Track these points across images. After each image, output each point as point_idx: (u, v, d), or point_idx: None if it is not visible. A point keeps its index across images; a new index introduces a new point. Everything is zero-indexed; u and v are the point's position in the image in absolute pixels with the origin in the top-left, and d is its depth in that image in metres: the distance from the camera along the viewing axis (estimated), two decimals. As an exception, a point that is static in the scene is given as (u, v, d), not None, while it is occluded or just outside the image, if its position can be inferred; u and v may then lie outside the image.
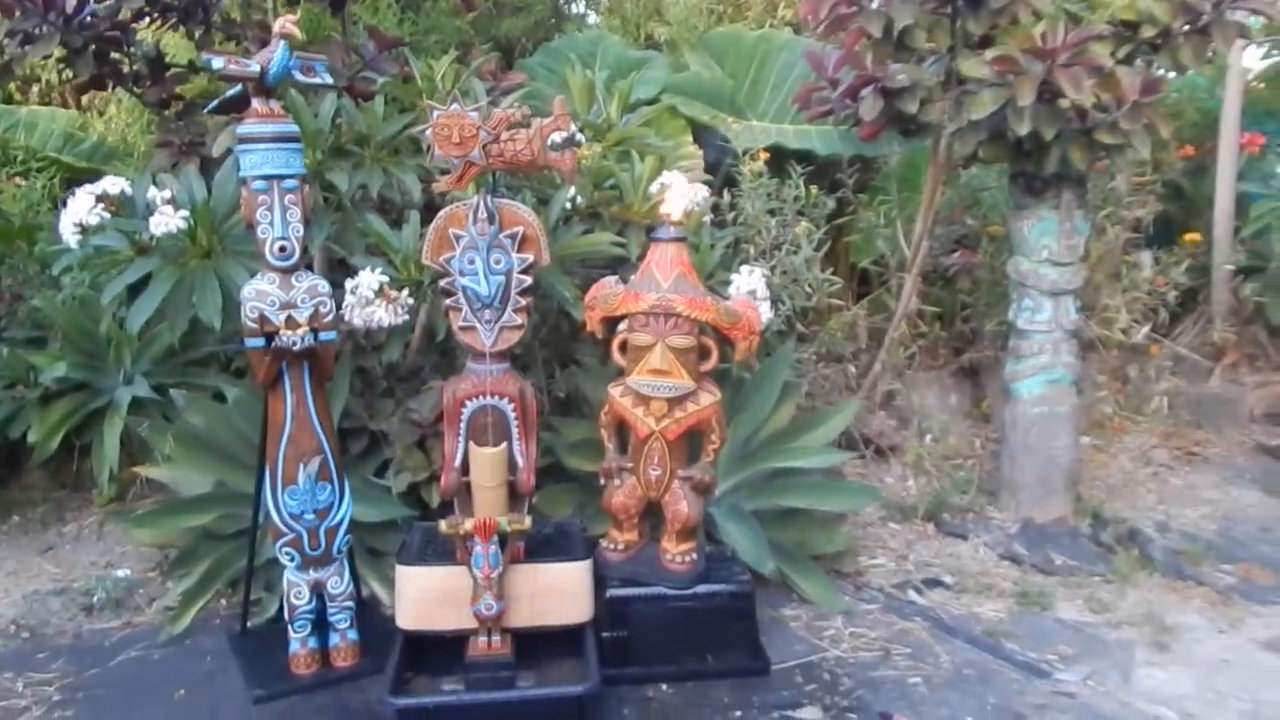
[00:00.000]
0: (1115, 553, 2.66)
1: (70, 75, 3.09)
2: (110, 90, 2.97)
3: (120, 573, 2.68)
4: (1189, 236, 3.27)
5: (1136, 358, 3.41)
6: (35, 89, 4.10)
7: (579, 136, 2.36)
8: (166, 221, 2.24)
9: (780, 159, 3.10)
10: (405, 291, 2.28)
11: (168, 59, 2.89)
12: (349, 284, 2.26)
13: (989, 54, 2.27)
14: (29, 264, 3.05)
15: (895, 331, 3.11)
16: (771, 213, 2.90)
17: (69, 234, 2.31)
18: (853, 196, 3.25)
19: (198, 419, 2.55)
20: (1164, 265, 3.20)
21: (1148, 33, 2.30)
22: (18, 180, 3.41)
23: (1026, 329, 2.75)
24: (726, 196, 2.92)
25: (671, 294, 2.00)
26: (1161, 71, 2.48)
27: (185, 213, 2.26)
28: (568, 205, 2.54)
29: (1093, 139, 2.34)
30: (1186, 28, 2.33)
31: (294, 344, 1.92)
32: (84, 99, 3.93)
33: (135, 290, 2.39)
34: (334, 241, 2.53)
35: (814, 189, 2.89)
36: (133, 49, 2.76)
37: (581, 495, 2.59)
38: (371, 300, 2.24)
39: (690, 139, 3.25)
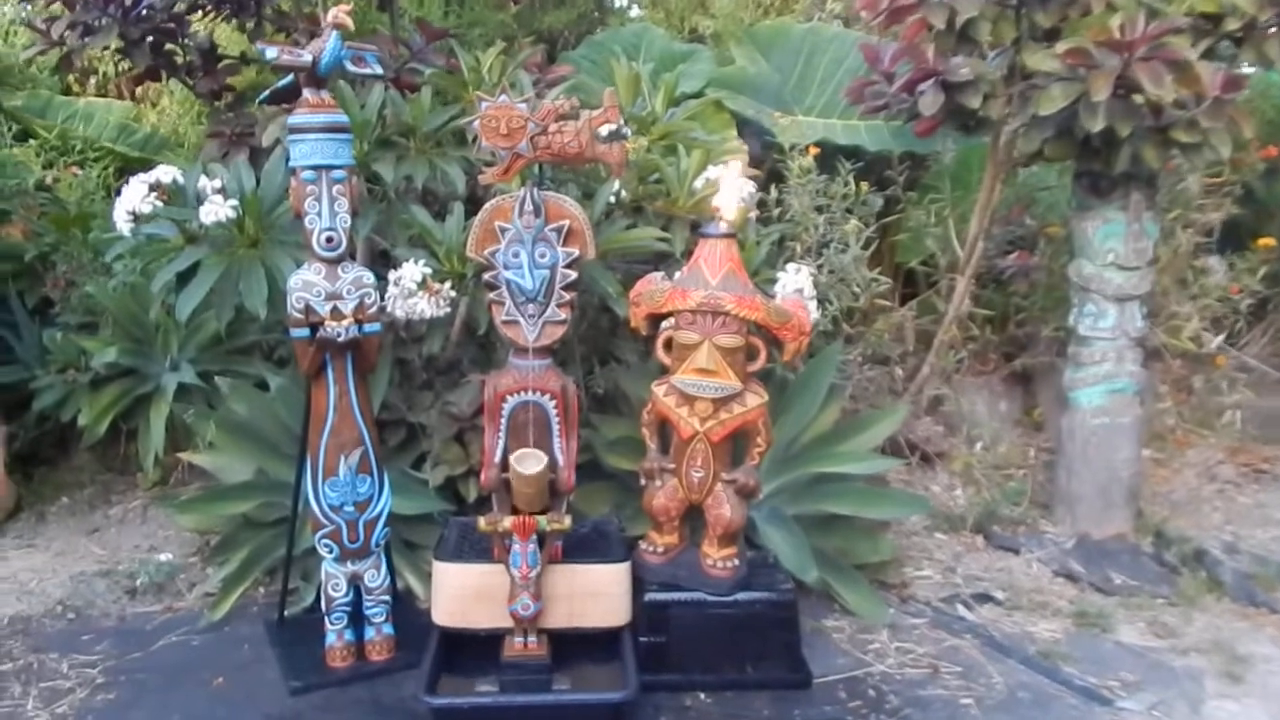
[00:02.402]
0: (1180, 574, 2.54)
1: (127, 67, 3.12)
2: (164, 81, 2.99)
3: (163, 557, 2.70)
4: (1262, 241, 3.12)
5: (1201, 368, 3.27)
6: (92, 81, 4.16)
7: (625, 130, 2.32)
8: (216, 210, 2.24)
9: (828, 155, 3.03)
10: (448, 284, 2.25)
11: (220, 51, 2.91)
12: (392, 275, 2.24)
13: (1060, 46, 2.17)
14: (83, 251, 3.09)
15: (945, 334, 3.02)
16: (819, 210, 2.82)
17: (122, 221, 2.33)
18: (902, 194, 3.15)
19: (241, 407, 2.55)
20: (1237, 271, 3.05)
21: (1230, 25, 2.18)
22: (74, 170, 3.46)
23: (1088, 335, 2.65)
24: (774, 192, 2.85)
25: (720, 292, 1.95)
26: (1243, 67, 2.35)
27: (234, 202, 2.25)
28: (611, 199, 2.49)
29: (1168, 137, 2.23)
30: (1275, 21, 2.20)
31: (339, 335, 1.91)
32: (138, 91, 3.98)
33: (184, 278, 2.40)
34: (377, 233, 2.52)
35: (864, 185, 2.81)
36: (187, 40, 2.78)
37: (619, 494, 2.55)
38: (414, 292, 2.22)
39: (735, 134, 3.18)
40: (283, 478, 2.42)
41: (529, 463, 1.91)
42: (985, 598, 2.48)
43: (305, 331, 1.92)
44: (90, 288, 2.90)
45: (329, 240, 1.89)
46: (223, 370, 2.81)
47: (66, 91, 4.00)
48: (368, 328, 1.97)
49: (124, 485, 3.18)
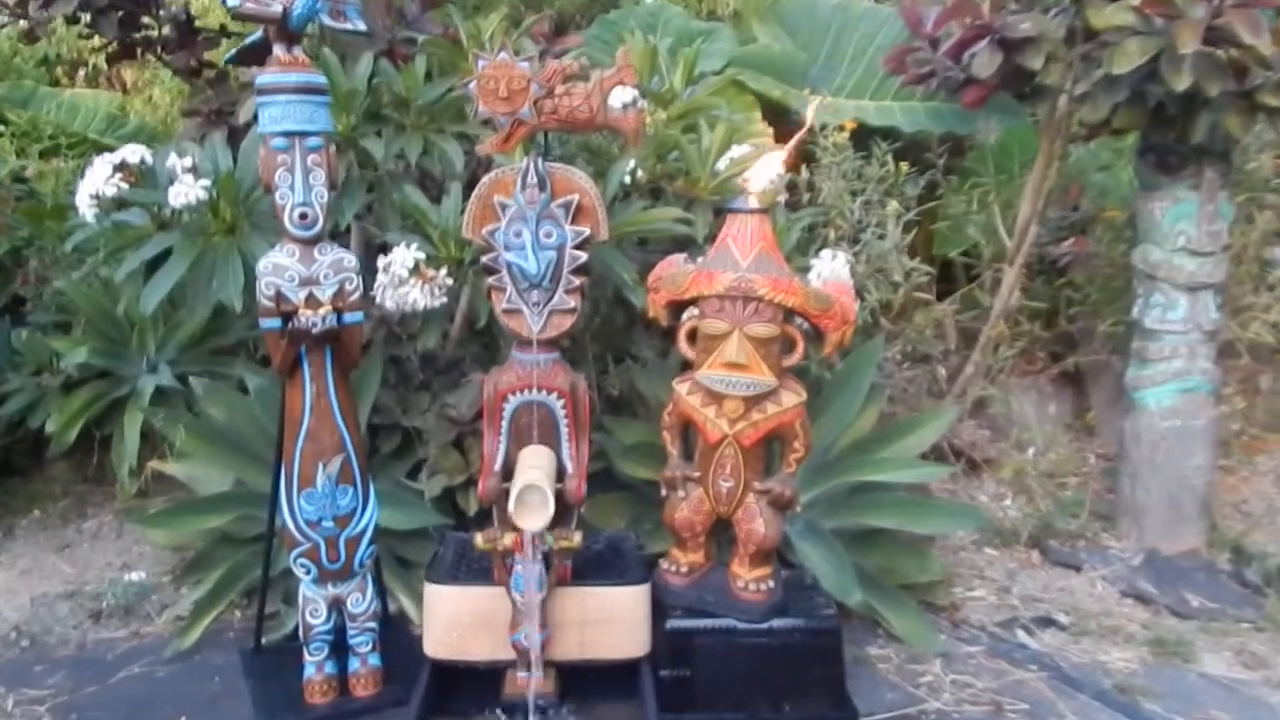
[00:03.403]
0: (1265, 594, 2.27)
1: (102, 43, 2.90)
2: (140, 57, 2.77)
3: (133, 576, 2.47)
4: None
5: (1269, 365, 2.99)
6: (81, 73, 3.97)
7: (641, 102, 2.08)
8: (186, 192, 2.02)
9: (861, 138, 2.77)
10: (444, 271, 2.01)
11: (197, 23, 2.69)
12: (381, 261, 2.01)
13: (1136, -4, 1.91)
14: (57, 246, 2.87)
15: (992, 330, 2.75)
16: (854, 194, 2.57)
17: (85, 206, 2.11)
18: (942, 179, 2.90)
19: (217, 410, 2.32)
20: (1310, 261, 2.78)
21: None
22: (53, 161, 3.25)
23: (1156, 329, 2.38)
24: (804, 173, 2.60)
25: (752, 274, 1.69)
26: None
27: (206, 182, 2.03)
28: (626, 179, 2.25)
29: (1254, 102, 1.97)
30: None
31: (314, 325, 1.66)
32: (128, 83, 3.78)
33: (155, 268, 2.18)
34: (366, 218, 2.29)
35: (903, 165, 2.55)
36: (161, 12, 2.56)
37: (636, 507, 2.29)
38: (406, 280, 1.98)
39: (759, 115, 2.94)
40: (263, 489, 2.17)
41: (531, 515, 1.59)
42: (1047, 622, 2.21)
43: (276, 322, 1.68)
44: (60, 283, 2.67)
45: (303, 217, 1.65)
46: (203, 371, 2.58)
47: (54, 84, 3.80)
48: (348, 317, 1.72)
49: (100, 497, 2.95)
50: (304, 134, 1.64)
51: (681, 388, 1.82)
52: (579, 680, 1.76)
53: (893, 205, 2.42)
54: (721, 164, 2.32)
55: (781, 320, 1.72)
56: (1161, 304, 2.36)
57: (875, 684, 1.96)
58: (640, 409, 2.42)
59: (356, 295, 1.74)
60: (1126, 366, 2.58)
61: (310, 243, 1.68)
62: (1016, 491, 2.75)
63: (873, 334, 2.49)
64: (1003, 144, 3.13)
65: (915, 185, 2.61)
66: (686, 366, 1.84)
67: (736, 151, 2.33)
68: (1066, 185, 2.73)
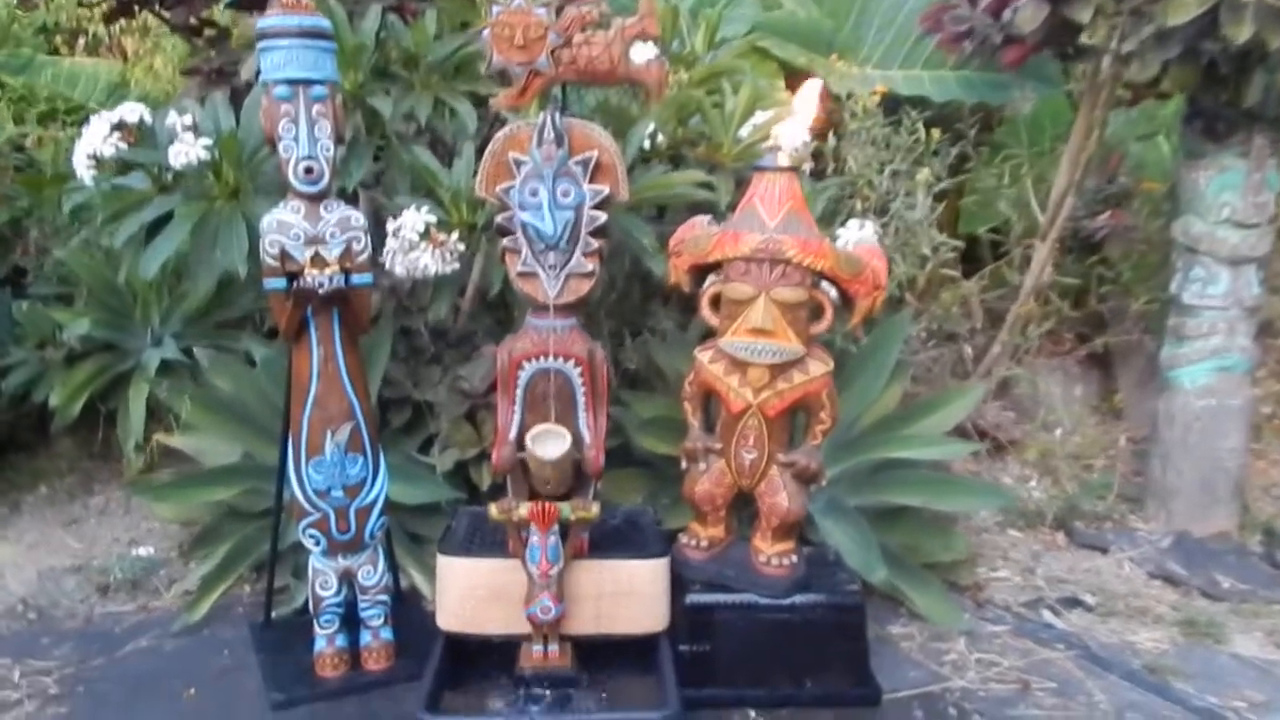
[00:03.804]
0: (1298, 576, 2.20)
1: (102, 2, 2.83)
2: (138, 14, 2.70)
3: (141, 551, 2.42)
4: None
5: (1299, 345, 2.91)
6: (81, 42, 3.90)
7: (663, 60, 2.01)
8: (186, 151, 1.95)
9: (889, 108, 2.69)
10: (455, 235, 1.95)
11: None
12: (390, 225, 1.94)
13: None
14: (58, 216, 2.81)
15: (1021, 308, 2.67)
16: (881, 165, 2.49)
17: (83, 167, 2.05)
18: (973, 151, 2.81)
19: (224, 382, 2.27)
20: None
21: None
22: (54, 131, 3.19)
23: (1195, 305, 2.30)
24: (830, 140, 2.52)
25: (780, 235, 1.63)
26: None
27: (207, 141, 1.96)
28: (645, 144, 2.18)
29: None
30: None
31: (320, 286, 1.60)
32: (128, 51, 3.72)
33: (156, 233, 2.12)
34: (374, 188, 2.22)
35: (935, 132, 2.47)
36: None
37: (653, 482, 2.24)
38: (416, 244, 1.92)
39: (782, 84, 2.86)
40: (270, 461, 2.11)
41: (549, 444, 1.61)
42: (1074, 602, 2.15)
43: (281, 282, 1.62)
44: (60, 252, 2.62)
45: (308, 171, 1.59)
46: (209, 346, 2.52)
47: (53, 53, 3.74)
48: (357, 279, 1.66)
49: (107, 473, 2.90)
50: (308, 82, 1.57)
51: (704, 356, 1.75)
52: (595, 655, 1.71)
53: (924, 173, 2.34)
54: (744, 131, 2.25)
55: (810, 285, 1.66)
56: (1202, 279, 2.27)
57: (898, 662, 1.90)
58: (658, 384, 2.35)
59: (365, 256, 1.68)
60: (1158, 346, 2.51)
61: (316, 199, 1.62)
62: (1041, 473, 2.69)
63: (899, 309, 2.42)
64: (1034, 117, 3.04)
65: (946, 154, 2.52)
66: (709, 337, 1.78)
67: (760, 117, 2.26)
68: (1105, 155, 2.64)
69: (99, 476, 2.88)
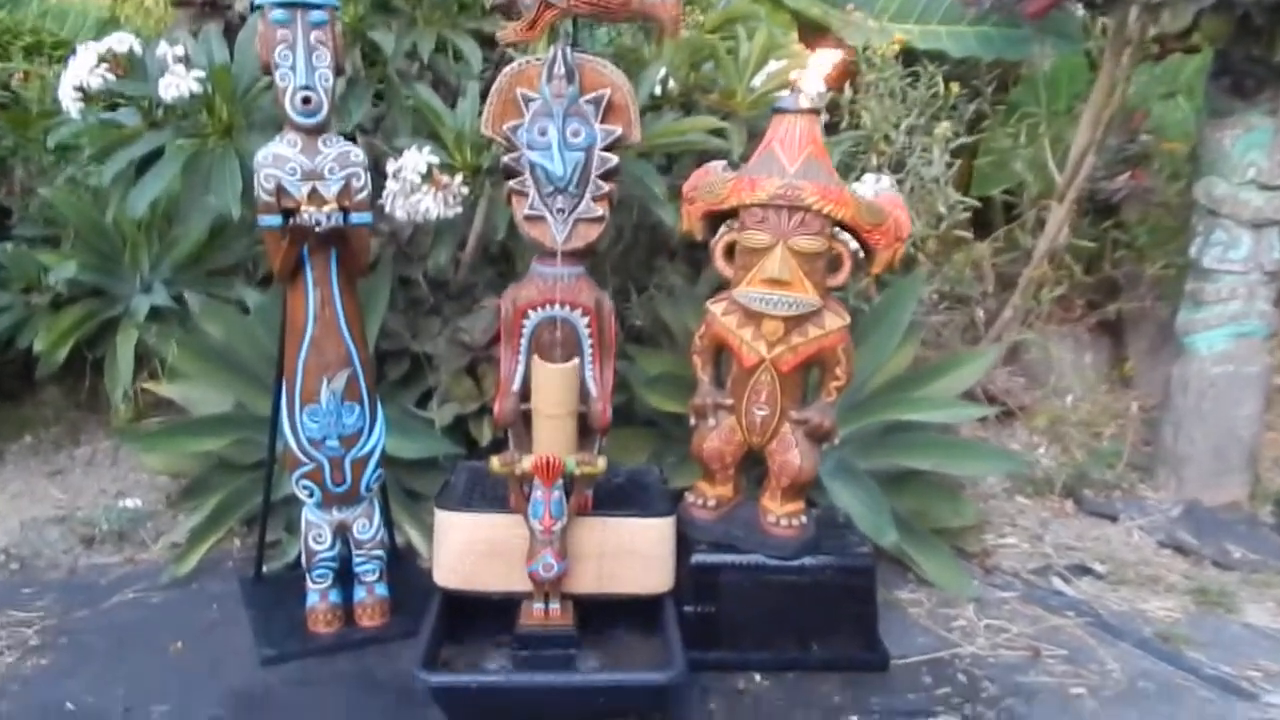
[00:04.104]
0: (1311, 547, 2.16)
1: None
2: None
3: (128, 503, 2.36)
4: None
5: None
6: (74, -21, 3.75)
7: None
8: (178, 83, 1.86)
9: (906, 62, 2.60)
10: (459, 178, 1.87)
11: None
12: (390, 167, 1.86)
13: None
14: (44, 155, 2.71)
15: (1034, 271, 2.61)
16: (897, 121, 2.41)
17: (69, 99, 1.96)
18: (990, 109, 2.73)
19: (215, 329, 2.19)
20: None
21: None
22: (40, 67, 3.07)
23: (1215, 269, 2.24)
24: (847, 92, 2.43)
25: (799, 181, 1.55)
26: None
27: (200, 73, 1.87)
28: (657, 90, 2.09)
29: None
30: None
31: (318, 223, 1.52)
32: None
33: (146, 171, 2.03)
34: (373, 133, 2.13)
35: (954, 87, 2.38)
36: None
37: (658, 442, 2.18)
38: (418, 187, 1.84)
39: (795, 35, 2.76)
40: (263, 412, 2.05)
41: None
42: (1083, 570, 2.11)
43: (276, 219, 1.55)
44: (45, 191, 2.52)
45: (306, 101, 1.50)
46: (201, 294, 2.44)
47: (41, -11, 3.59)
48: (355, 217, 1.59)
49: (94, 424, 2.83)
50: (306, 6, 1.49)
51: (716, 308, 1.69)
52: (598, 615, 1.66)
53: (943, 126, 2.26)
54: (758, 80, 2.17)
55: (829, 235, 1.59)
56: (1223, 242, 2.21)
57: (906, 627, 1.86)
58: (664, 341, 2.29)
59: (365, 194, 1.60)
60: (1172, 313, 2.45)
61: (314, 132, 1.54)
62: (1050, 440, 2.64)
63: (912, 268, 2.35)
64: (1050, 78, 2.95)
65: (964, 110, 2.44)
66: (719, 292, 1.71)
67: (774, 66, 2.17)
68: (1129, 113, 2.56)
69: (85, 427, 2.80)
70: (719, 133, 2.03)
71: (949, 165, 2.38)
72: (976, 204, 2.51)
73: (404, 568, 1.98)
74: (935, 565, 1.99)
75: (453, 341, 2.17)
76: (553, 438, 1.56)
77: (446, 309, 2.30)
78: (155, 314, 2.52)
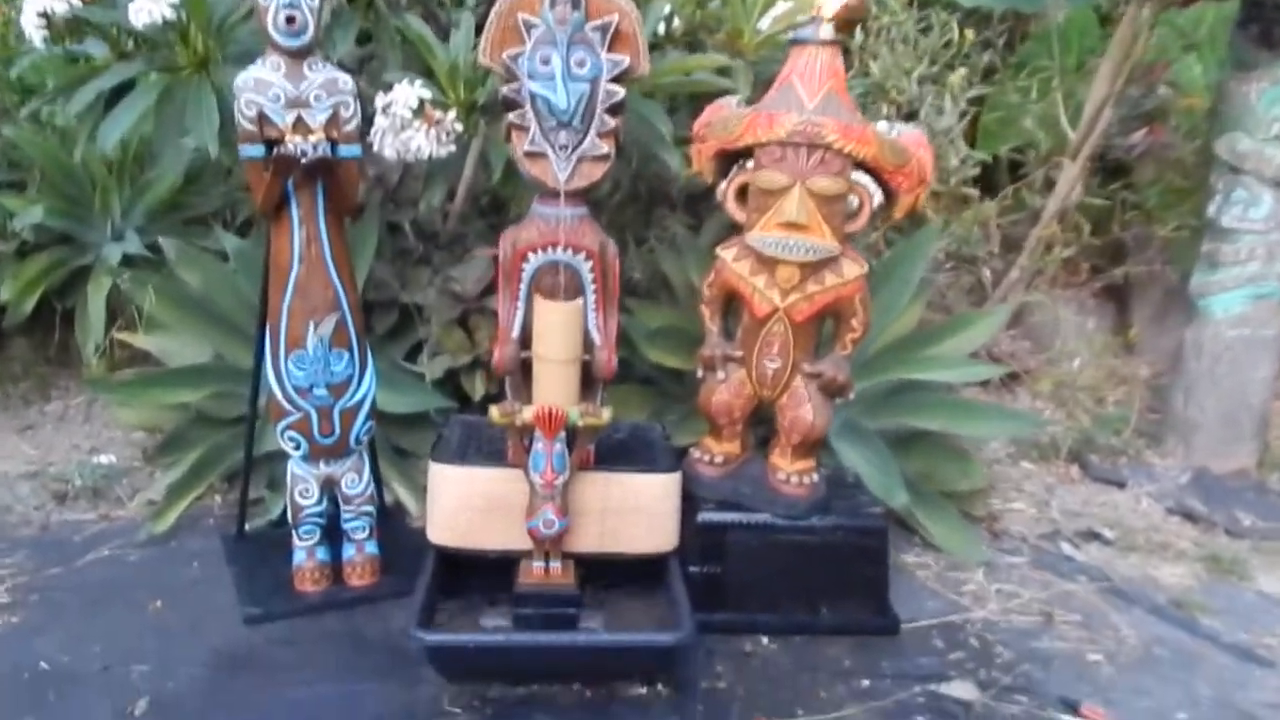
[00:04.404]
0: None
1: None
2: None
3: (102, 459, 2.25)
4: None
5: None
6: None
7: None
8: (149, 9, 1.73)
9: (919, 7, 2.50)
10: (452, 114, 1.76)
11: None
12: (379, 101, 1.75)
13: None
14: (6, 94, 2.57)
15: (1044, 230, 2.53)
16: (909, 68, 2.31)
17: (32, 26, 1.82)
18: (1001, 62, 2.64)
19: (192, 276, 2.07)
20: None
21: None
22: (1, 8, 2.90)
23: (1234, 228, 2.17)
24: (859, 36, 2.33)
25: (820, 117, 1.46)
26: None
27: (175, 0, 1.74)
28: (660, 28, 1.99)
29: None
30: None
31: (303, 154, 1.42)
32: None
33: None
34: (358, 76, 2.01)
35: (969, 33, 2.28)
36: None
37: (658, 400, 2.10)
38: (409, 123, 1.73)
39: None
40: (244, 364, 1.96)
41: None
42: (1092, 536, 2.06)
43: (258, 149, 1.44)
44: (8, 131, 2.39)
45: (289, 21, 1.39)
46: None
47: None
48: (344, 150, 1.48)
49: (65, 379, 2.71)
50: (291, -80, 1.37)
51: (727, 254, 1.60)
52: (599, 575, 1.58)
53: (959, 73, 2.16)
54: (765, 23, 2.06)
55: (849, 176, 1.50)
56: (1244, 200, 2.14)
57: (915, 591, 1.80)
58: (664, 296, 2.20)
59: (354, 125, 1.50)
60: (1181, 277, 2.40)
61: (299, 55, 1.43)
62: (1055, 405, 2.58)
63: (921, 223, 2.27)
64: (1061, 33, 2.86)
65: (978, 60, 2.34)
66: (731, 233, 1.62)
67: (782, 7, 2.07)
68: (1149, 65, 2.47)
69: (56, 382, 2.68)
70: (725, 73, 1.93)
71: (962, 116, 2.29)
72: (987, 158, 2.42)
73: (393, 526, 1.90)
74: (944, 529, 1.93)
75: (444, 292, 2.07)
76: (554, 387, 1.47)
77: (436, 259, 2.20)
78: (128, 263, 2.41)
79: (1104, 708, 1.44)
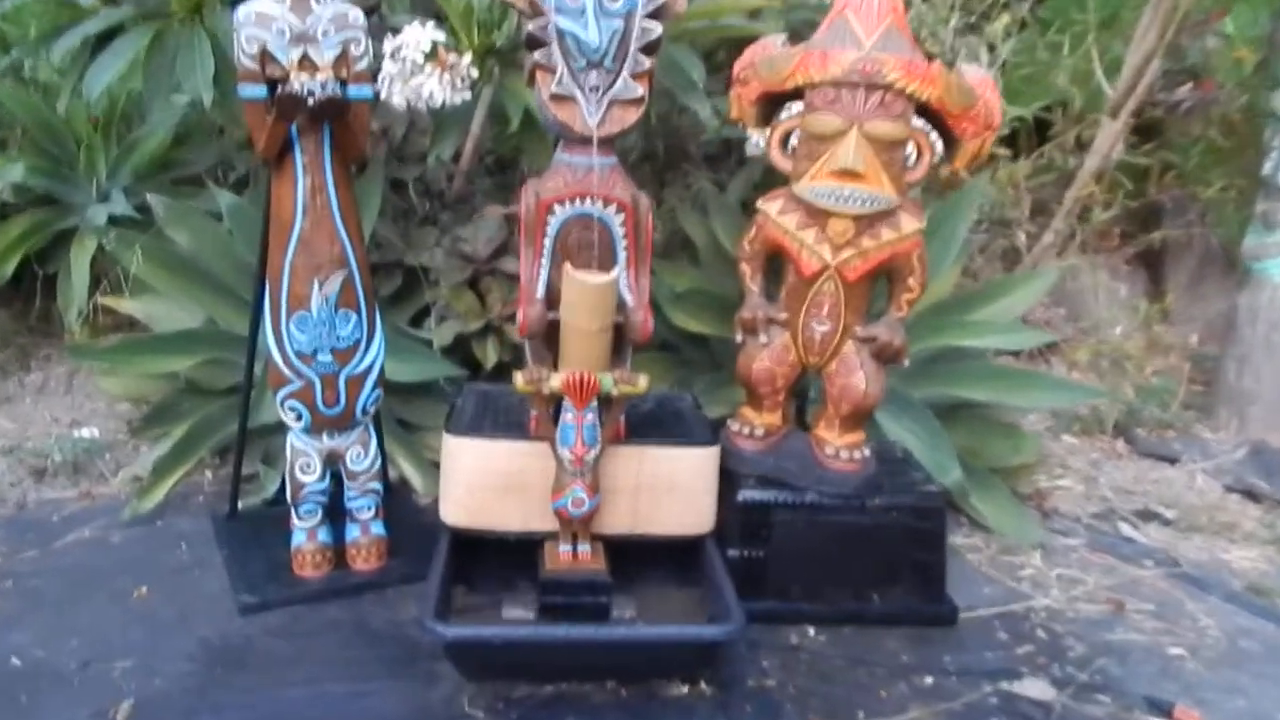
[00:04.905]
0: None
1: None
2: None
3: (84, 432, 2.10)
4: None
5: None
6: None
7: None
8: (135, -62, 1.57)
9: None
10: (467, 58, 1.61)
11: None
12: (388, 45, 1.60)
13: None
14: (-12, 47, 2.40)
15: (1081, 191, 2.39)
16: (945, 18, 2.16)
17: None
18: (1030, 16, 2.48)
19: (182, 236, 1.91)
20: None
21: None
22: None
23: (1293, 186, 2.04)
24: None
25: (880, 54, 1.31)
26: None
27: (161, -75, 1.58)
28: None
29: None
30: None
31: (310, 94, 1.27)
32: None
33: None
34: (369, 11, 1.85)
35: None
36: None
37: (680, 368, 1.96)
38: (420, 68, 1.58)
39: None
40: (238, 330, 1.82)
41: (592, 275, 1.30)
42: (1150, 515, 1.93)
43: (260, 89, 1.29)
44: (-14, 83, 2.22)
45: (294, -59, 1.23)
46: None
47: None
48: (354, 91, 1.33)
49: (47, 349, 2.55)
50: None
51: (771, 207, 1.45)
52: (629, 560, 1.44)
53: (1003, 20, 2.01)
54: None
55: (910, 121, 1.35)
56: (1300, 156, 2.01)
57: (968, 577, 1.67)
58: (686, 257, 2.06)
59: (364, 63, 1.34)
60: (1228, 238, 2.26)
61: (303, -17, 1.27)
62: (1095, 376, 2.45)
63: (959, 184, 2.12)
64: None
65: (1017, 7, 2.19)
66: (771, 187, 1.47)
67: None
68: (1204, 14, 2.32)
69: (37, 353, 2.53)
70: (756, 13, 1.78)
71: (1002, 67, 2.14)
72: (1026, 114, 2.28)
73: (399, 505, 1.76)
74: (995, 508, 1.80)
75: (452, 253, 1.92)
76: (585, 352, 1.32)
77: (443, 219, 2.05)
78: (115, 225, 2.24)
79: (1196, 709, 1.31)
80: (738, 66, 1.45)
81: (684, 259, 2.06)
